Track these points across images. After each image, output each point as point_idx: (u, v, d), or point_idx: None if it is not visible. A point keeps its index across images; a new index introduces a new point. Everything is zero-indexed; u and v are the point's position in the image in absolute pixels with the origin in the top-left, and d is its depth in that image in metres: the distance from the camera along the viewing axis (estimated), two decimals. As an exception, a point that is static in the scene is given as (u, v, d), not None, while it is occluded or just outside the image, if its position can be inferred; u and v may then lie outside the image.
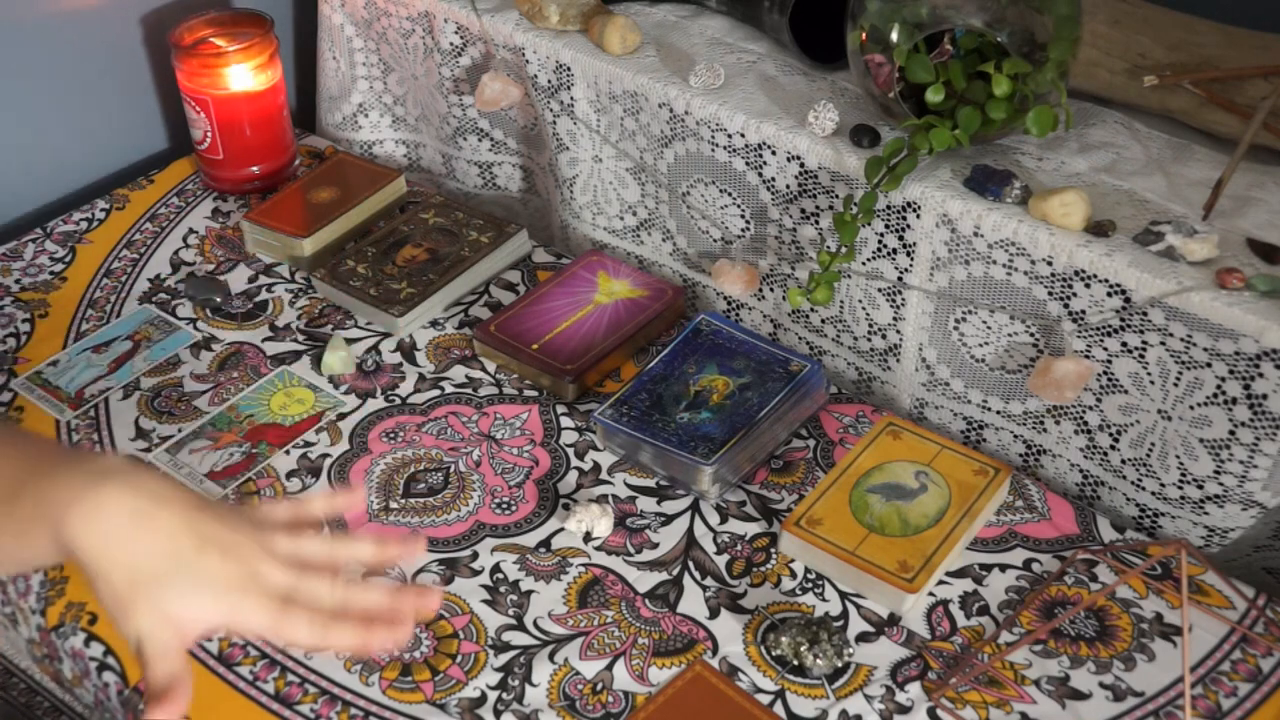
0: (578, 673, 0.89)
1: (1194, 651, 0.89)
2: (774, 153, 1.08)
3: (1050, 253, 0.96)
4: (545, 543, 0.98)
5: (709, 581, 0.95)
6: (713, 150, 1.13)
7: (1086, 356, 0.98)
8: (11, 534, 0.69)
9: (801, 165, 1.07)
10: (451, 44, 1.30)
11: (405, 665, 0.89)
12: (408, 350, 1.16)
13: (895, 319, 1.08)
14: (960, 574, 0.95)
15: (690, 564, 0.96)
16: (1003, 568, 0.96)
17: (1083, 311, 0.96)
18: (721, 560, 0.97)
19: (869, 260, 1.07)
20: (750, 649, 0.90)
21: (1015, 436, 1.07)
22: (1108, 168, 1.03)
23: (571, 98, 1.21)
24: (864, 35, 1.01)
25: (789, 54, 1.17)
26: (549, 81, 1.22)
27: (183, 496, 0.67)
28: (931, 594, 0.94)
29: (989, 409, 1.07)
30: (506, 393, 1.11)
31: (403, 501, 1.01)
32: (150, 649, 0.64)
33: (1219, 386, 0.91)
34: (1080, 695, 0.87)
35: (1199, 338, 0.91)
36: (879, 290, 1.08)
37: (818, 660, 0.88)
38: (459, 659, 0.89)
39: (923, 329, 1.07)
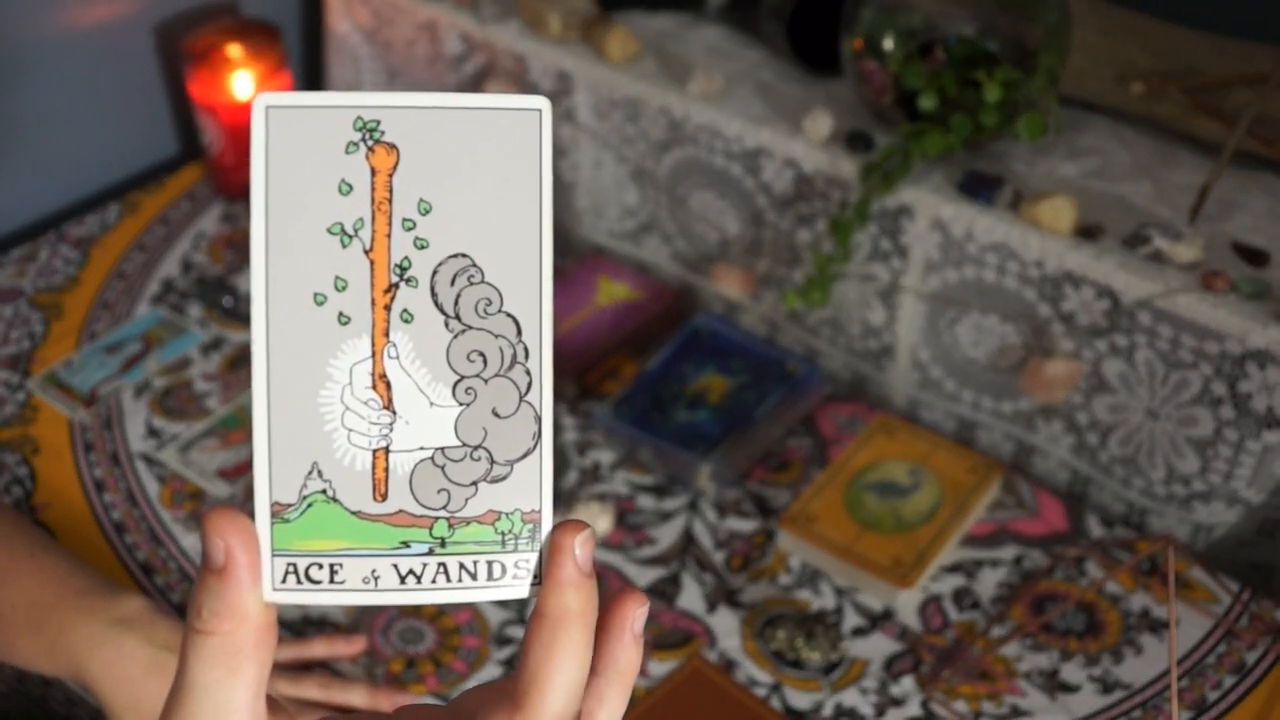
0: (578, 665, 0.90)
1: (1180, 645, 0.91)
2: (771, 158, 1.10)
3: (1040, 256, 0.97)
4: (547, 539, 1.00)
5: (707, 577, 0.97)
6: (711, 156, 1.15)
7: (1076, 357, 0.99)
8: (42, 653, 0.79)
9: (797, 170, 1.09)
10: (455, 52, 1.32)
11: (410, 659, 0.91)
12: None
13: (889, 320, 1.10)
14: (952, 570, 0.97)
15: (688, 560, 0.98)
16: (994, 563, 0.98)
17: (1072, 313, 0.98)
18: (719, 556, 0.99)
19: (863, 263, 1.09)
20: (747, 643, 0.92)
21: (1006, 435, 1.09)
22: (1096, 173, 1.05)
23: (572, 105, 1.23)
24: (859, 43, 1.03)
25: (785, 62, 1.19)
26: (551, 89, 1.24)
27: None
28: (924, 589, 0.96)
29: (981, 409, 1.09)
30: (509, 393, 1.13)
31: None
32: None
33: (1205, 386, 0.93)
34: (1069, 688, 0.89)
35: (1185, 339, 0.93)
36: (873, 292, 1.10)
37: (813, 654, 0.90)
38: (461, 653, 0.92)
39: (916, 330, 1.09)
